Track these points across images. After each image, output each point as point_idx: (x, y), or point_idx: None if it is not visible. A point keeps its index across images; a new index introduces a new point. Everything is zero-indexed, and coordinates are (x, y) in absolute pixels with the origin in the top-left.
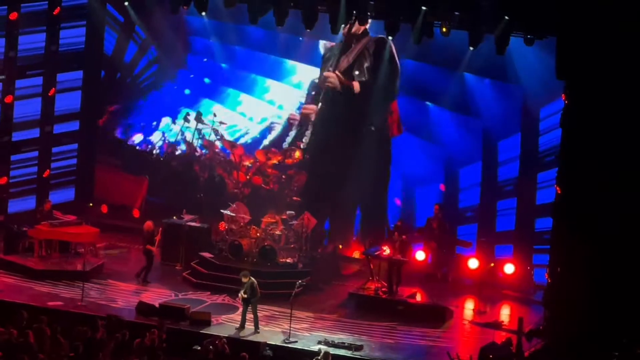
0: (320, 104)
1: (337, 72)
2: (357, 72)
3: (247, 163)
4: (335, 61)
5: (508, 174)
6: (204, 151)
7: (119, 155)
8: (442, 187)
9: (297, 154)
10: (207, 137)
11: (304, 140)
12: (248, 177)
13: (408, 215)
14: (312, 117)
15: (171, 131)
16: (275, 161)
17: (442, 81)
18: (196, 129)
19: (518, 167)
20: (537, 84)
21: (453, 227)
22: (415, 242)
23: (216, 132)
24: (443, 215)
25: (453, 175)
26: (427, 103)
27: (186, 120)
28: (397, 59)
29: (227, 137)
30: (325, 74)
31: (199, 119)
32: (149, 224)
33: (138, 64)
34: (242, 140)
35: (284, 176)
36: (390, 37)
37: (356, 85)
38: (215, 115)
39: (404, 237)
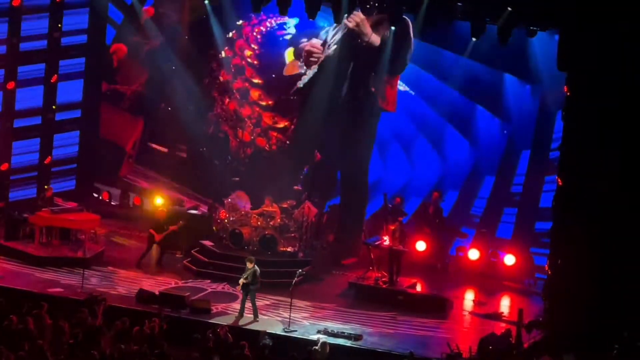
0: (330, 51)
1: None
2: None
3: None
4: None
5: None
6: None
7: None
8: (435, 194)
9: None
10: None
11: (302, 78)
12: (252, 137)
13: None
14: (315, 60)
15: None
16: (281, 125)
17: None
18: None
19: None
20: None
21: (451, 217)
22: (409, 226)
23: None
24: (441, 203)
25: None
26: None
27: None
28: (412, 37)
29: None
30: (354, 13)
31: None
32: (162, 211)
33: None
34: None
35: (288, 142)
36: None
37: (376, 38)
38: None
39: (399, 219)
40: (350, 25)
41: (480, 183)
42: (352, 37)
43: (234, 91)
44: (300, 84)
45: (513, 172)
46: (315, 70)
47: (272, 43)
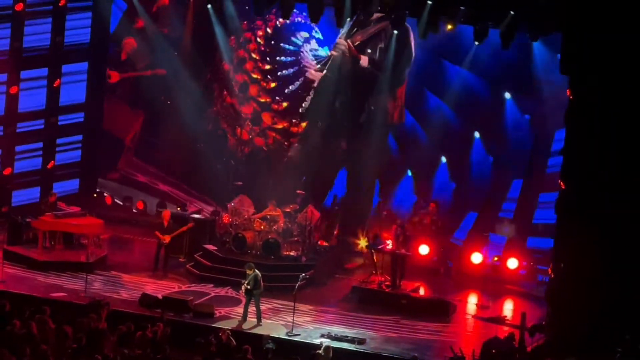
0: (325, 72)
1: (348, 41)
2: (369, 50)
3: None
4: (349, 32)
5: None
6: None
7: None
8: (432, 205)
9: (304, 124)
10: None
11: (303, 105)
12: (251, 136)
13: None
14: (315, 84)
15: None
16: (280, 126)
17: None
18: None
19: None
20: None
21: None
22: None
23: None
24: (439, 213)
25: None
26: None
27: None
28: (413, 48)
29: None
30: (337, 40)
31: None
32: (166, 212)
33: None
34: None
35: (286, 143)
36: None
37: (364, 59)
38: None
39: (396, 225)
40: (336, 54)
41: (461, 219)
42: (342, 62)
43: (233, 84)
44: (302, 109)
45: (500, 203)
46: (313, 95)
47: (281, 41)
